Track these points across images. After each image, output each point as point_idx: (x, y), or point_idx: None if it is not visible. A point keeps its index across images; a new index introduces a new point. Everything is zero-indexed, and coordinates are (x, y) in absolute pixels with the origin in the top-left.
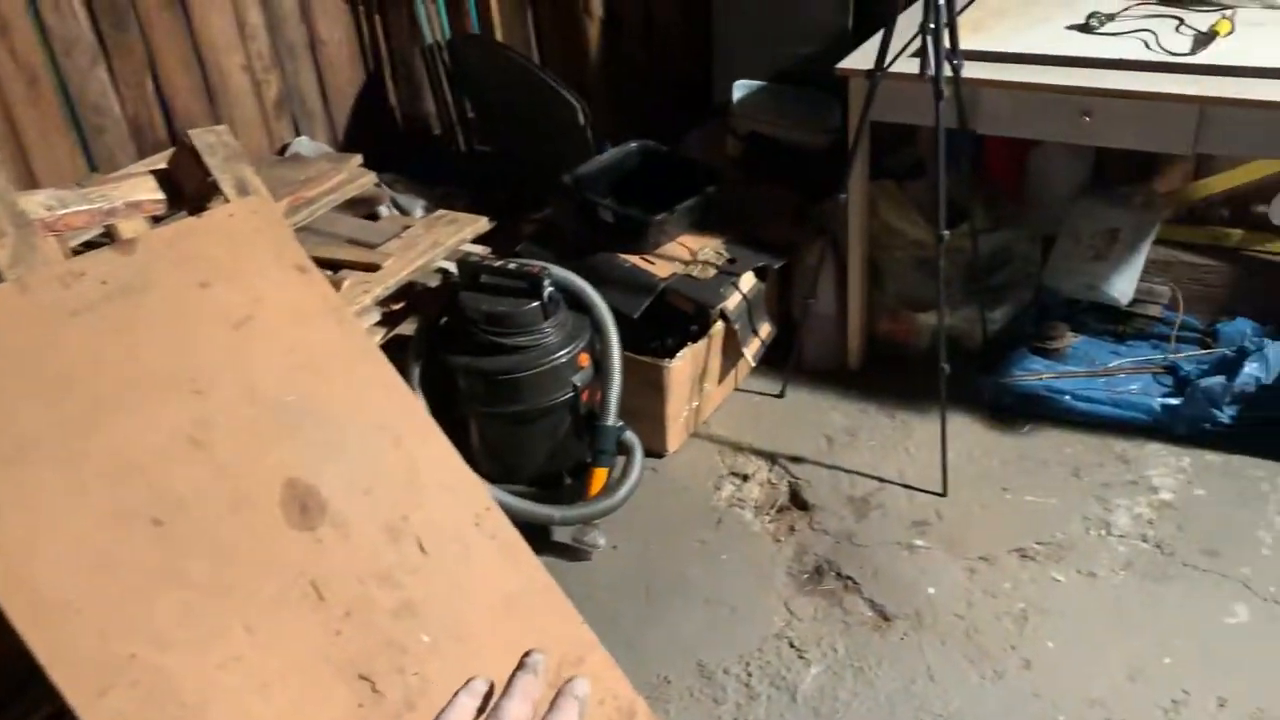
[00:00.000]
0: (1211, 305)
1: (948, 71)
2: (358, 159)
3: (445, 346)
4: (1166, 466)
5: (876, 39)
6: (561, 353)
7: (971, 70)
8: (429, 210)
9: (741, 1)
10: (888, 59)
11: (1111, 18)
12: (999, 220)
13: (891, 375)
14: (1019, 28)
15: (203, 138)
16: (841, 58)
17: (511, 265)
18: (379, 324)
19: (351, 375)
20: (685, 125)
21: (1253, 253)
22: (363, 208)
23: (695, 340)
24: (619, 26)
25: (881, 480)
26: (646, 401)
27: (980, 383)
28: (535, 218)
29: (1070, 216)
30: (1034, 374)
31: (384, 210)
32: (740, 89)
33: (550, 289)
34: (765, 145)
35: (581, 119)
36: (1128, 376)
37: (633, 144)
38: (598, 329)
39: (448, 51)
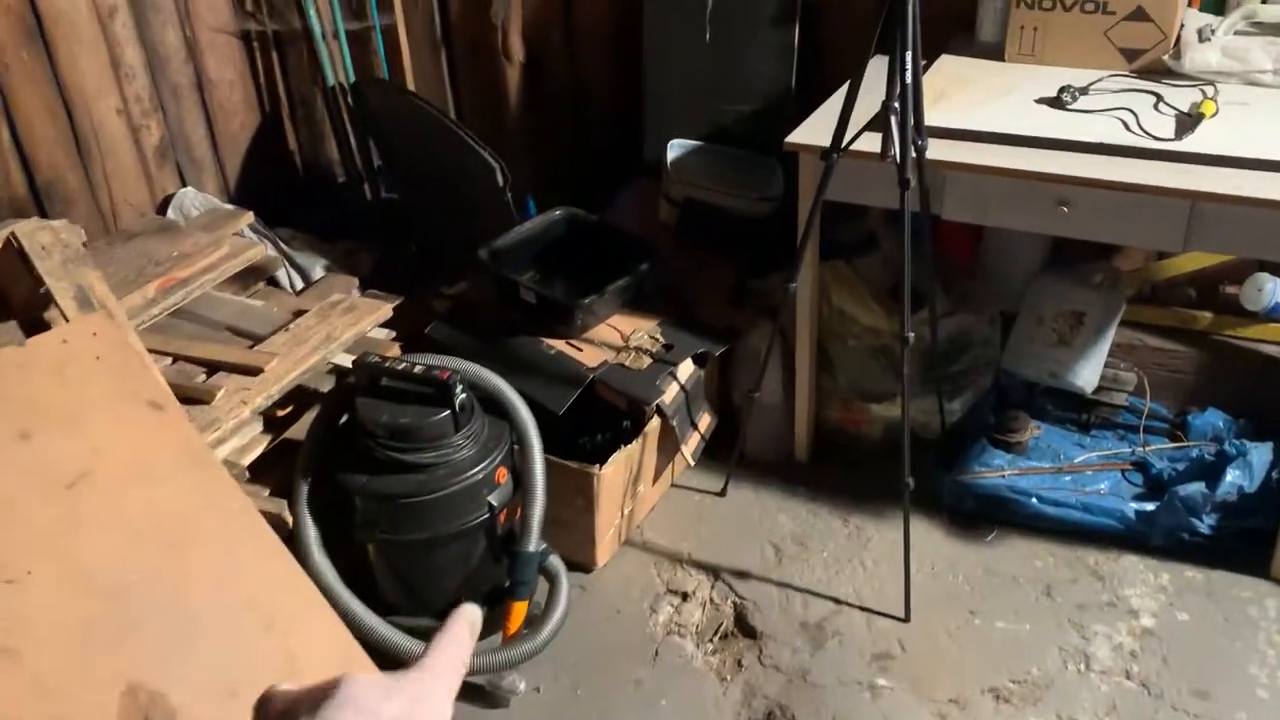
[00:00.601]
0: (1180, 393)
1: (912, 152)
2: (247, 217)
3: (339, 462)
4: (1145, 584)
5: (829, 110)
6: (476, 469)
7: (935, 149)
8: (330, 269)
9: (674, 51)
10: (846, 138)
11: (1084, 91)
12: (957, 303)
13: (843, 470)
14: (984, 99)
15: (35, 236)
16: (783, 117)
17: (417, 368)
18: (264, 432)
19: (213, 542)
20: (615, 184)
21: (1223, 338)
22: (254, 275)
23: (628, 440)
24: (541, 72)
25: (838, 601)
26: (574, 512)
27: (939, 481)
28: (448, 293)
29: (1030, 295)
30: (996, 470)
31: (281, 275)
32: (675, 149)
33: (463, 396)
34: (702, 212)
35: (500, 180)
36: (1095, 474)
37: (557, 212)
38: (518, 438)
39: (352, 95)
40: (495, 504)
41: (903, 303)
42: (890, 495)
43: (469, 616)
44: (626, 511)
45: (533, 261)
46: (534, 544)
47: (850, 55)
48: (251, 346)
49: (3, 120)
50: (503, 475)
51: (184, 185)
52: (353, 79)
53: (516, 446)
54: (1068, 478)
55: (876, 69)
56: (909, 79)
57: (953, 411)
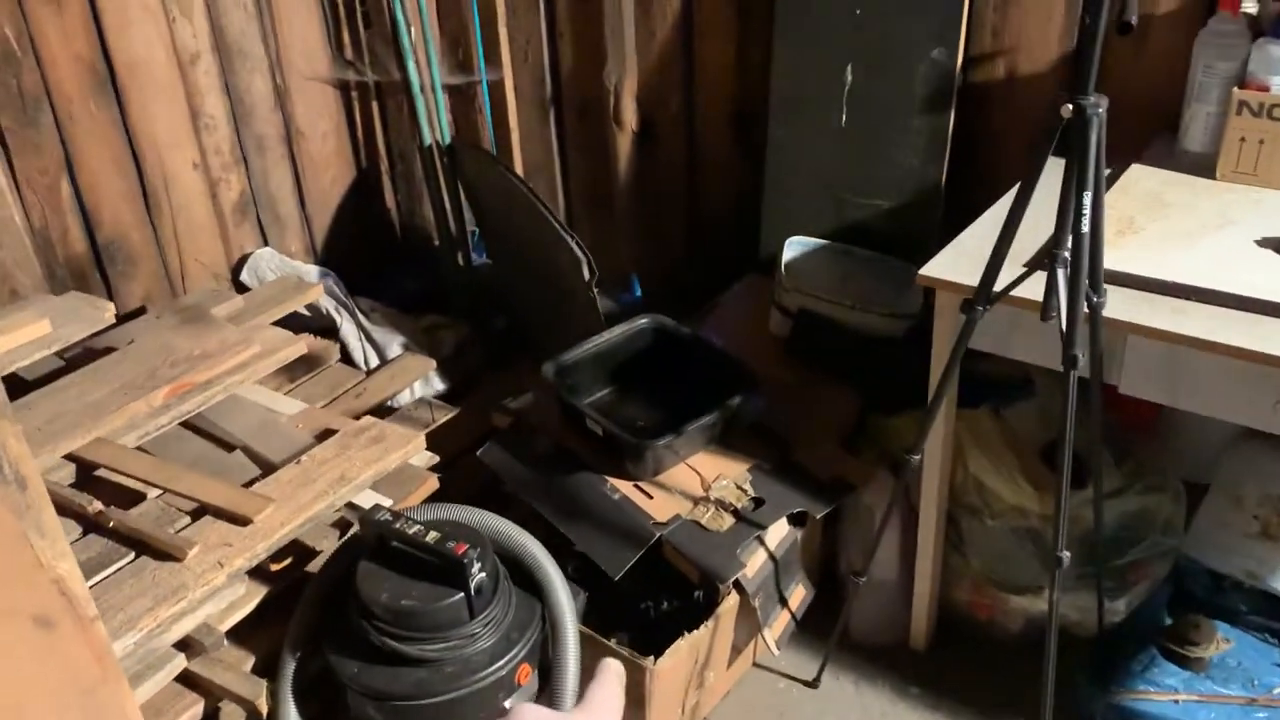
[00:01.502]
0: None
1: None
2: (315, 291)
3: (333, 635)
4: None
5: (980, 234)
6: (492, 668)
7: (1116, 301)
8: (408, 347)
9: (803, 134)
10: (996, 286)
11: None
12: (1132, 477)
13: (968, 666)
14: (1187, 235)
15: None
16: (928, 218)
17: (430, 535)
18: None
19: None
20: (725, 278)
21: None
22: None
23: (696, 620)
24: (654, 143)
25: None
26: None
27: (1090, 700)
28: (511, 406)
29: (1227, 466)
30: (1166, 693)
31: (356, 350)
32: (794, 248)
33: (480, 576)
34: (820, 328)
35: (586, 275)
36: None
37: (643, 320)
38: (551, 623)
39: (446, 156)
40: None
41: (1056, 505)
42: (1026, 715)
43: (614, 669)
44: (690, 705)
45: (610, 377)
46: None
47: (1014, 150)
48: (258, 478)
49: (64, 173)
50: (526, 674)
51: (265, 244)
52: (448, 138)
53: (548, 635)
54: (1263, 714)
55: (1045, 185)
56: (1086, 226)
57: (1115, 611)
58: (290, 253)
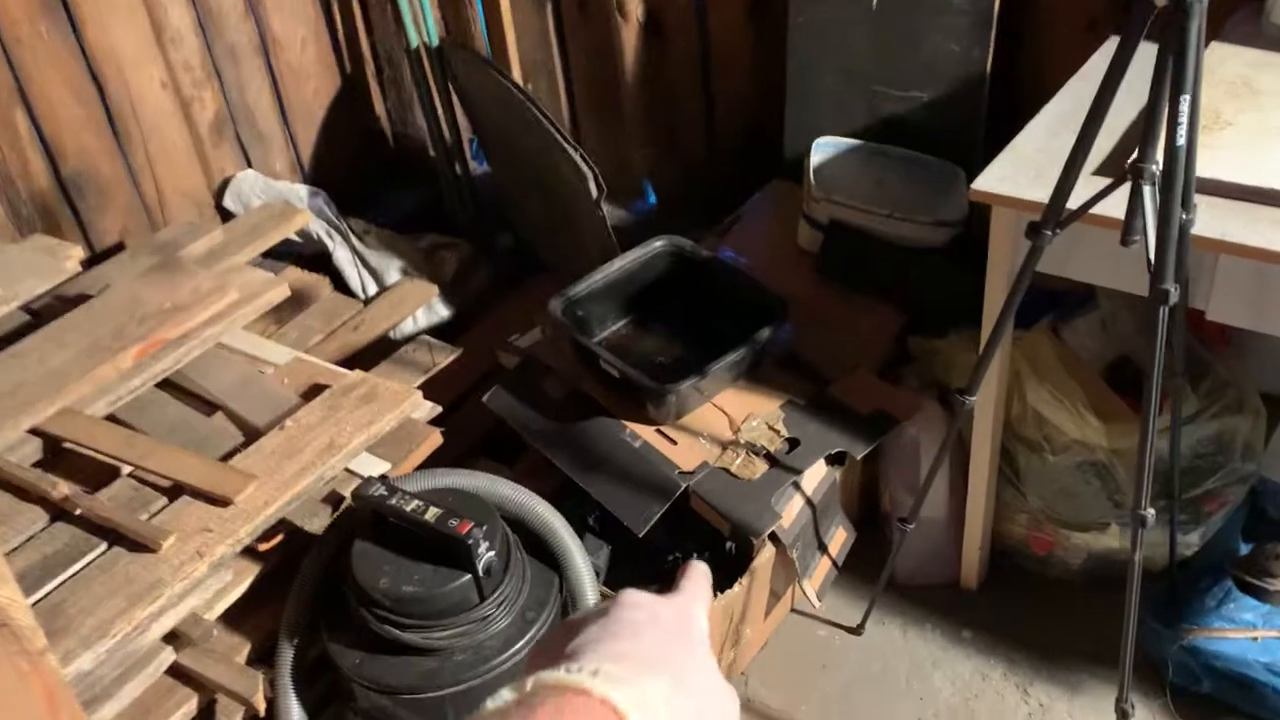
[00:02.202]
0: None
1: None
2: (302, 218)
3: (332, 627)
4: None
5: (1041, 135)
6: (508, 653)
7: (1206, 214)
8: (408, 272)
9: (829, 19)
10: (1067, 208)
11: None
12: (1211, 398)
13: (1025, 607)
14: (1278, 129)
15: None
16: (973, 112)
17: (430, 511)
18: (249, 559)
19: None
20: (747, 185)
21: None
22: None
23: (730, 578)
24: (663, 36)
25: None
26: None
27: (1160, 643)
28: (517, 344)
29: None
30: (1243, 629)
31: (352, 277)
32: (822, 150)
33: (488, 555)
34: (854, 241)
35: (594, 191)
36: None
37: (658, 243)
38: (571, 595)
39: (436, 61)
40: None
41: (1140, 462)
42: (1090, 657)
43: (701, 569)
44: (726, 663)
45: (624, 307)
46: None
47: (1068, 33)
48: (240, 446)
49: (17, 103)
50: None
51: (248, 165)
52: (434, 39)
53: (568, 604)
54: None
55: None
56: (1182, 138)
57: (1188, 545)
58: (275, 173)
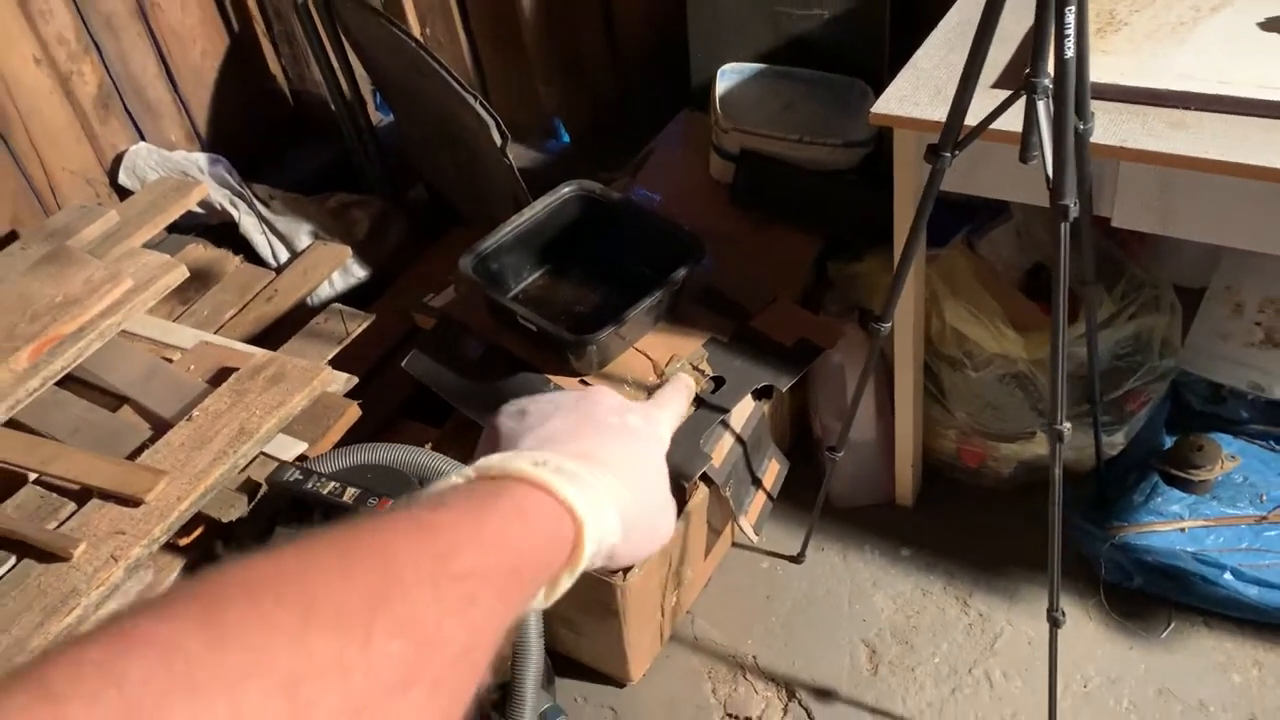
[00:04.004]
0: None
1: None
2: (199, 191)
3: None
4: None
5: (939, 49)
6: None
7: (1104, 120)
8: (318, 235)
9: None
10: (964, 128)
11: None
12: (1125, 300)
13: (960, 520)
14: (1178, 25)
15: None
16: (875, 24)
17: (348, 492)
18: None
19: None
20: (654, 116)
21: None
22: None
23: None
24: None
25: None
26: (596, 621)
27: (1091, 543)
28: (433, 304)
29: (1225, 270)
30: (1171, 522)
31: (261, 245)
32: (727, 78)
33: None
34: (766, 168)
35: (498, 139)
36: None
37: (567, 189)
38: None
39: (325, 13)
40: None
41: (1052, 377)
42: (1026, 563)
43: (685, 381)
44: (669, 607)
45: (539, 257)
46: (529, 711)
47: None
48: (149, 441)
49: None
50: None
51: (140, 138)
52: None
53: None
54: (1274, 531)
55: None
56: (1071, 50)
57: (1113, 445)
58: (170, 143)
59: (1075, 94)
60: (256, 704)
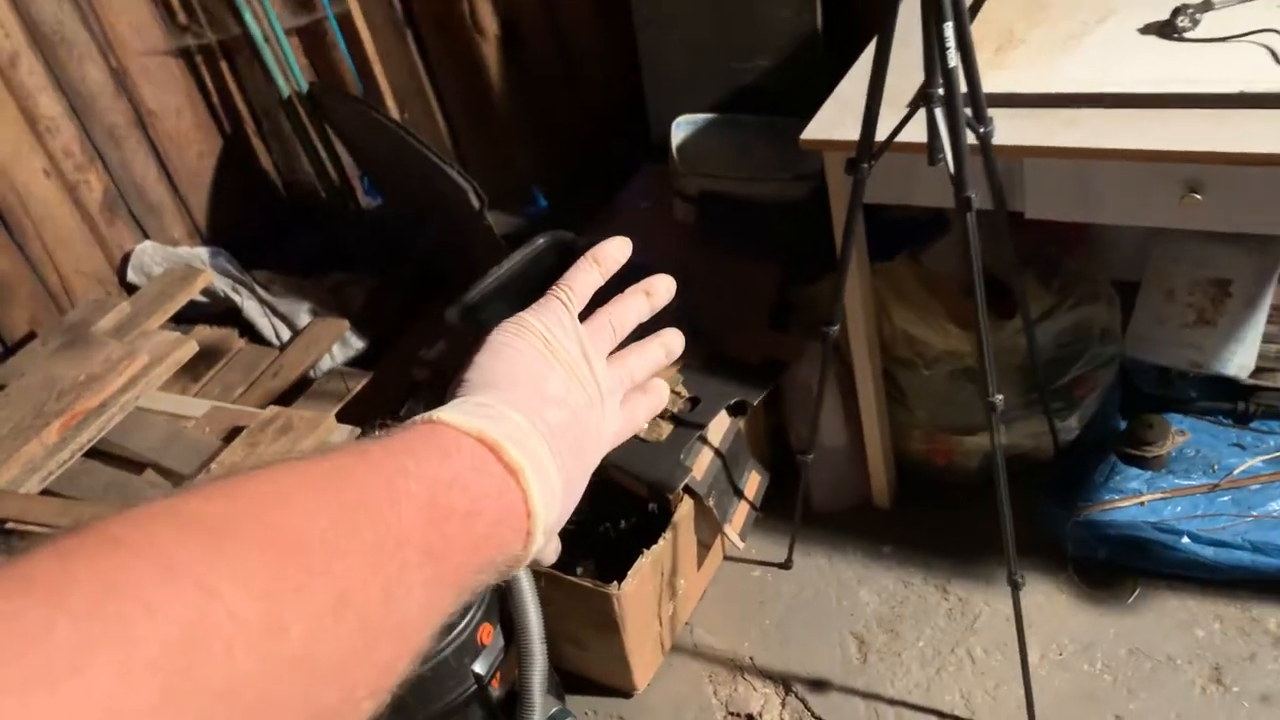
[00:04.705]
0: None
1: (970, 139)
2: (204, 278)
3: None
4: None
5: (858, 82)
6: (450, 635)
7: (1007, 125)
8: (316, 312)
9: (669, 3)
10: (877, 142)
11: (1208, 7)
12: (1064, 291)
13: (935, 515)
14: (1068, 37)
15: None
16: (813, 69)
17: None
18: None
19: None
20: (621, 173)
21: None
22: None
23: (655, 538)
24: (521, 45)
25: (941, 715)
26: (597, 633)
27: (1057, 523)
28: (426, 358)
29: (1156, 261)
30: (1131, 497)
31: (265, 326)
32: (682, 129)
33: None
34: (724, 207)
35: (475, 203)
36: (1265, 487)
37: (541, 240)
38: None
39: (308, 104)
40: (483, 671)
41: (979, 352)
42: (999, 549)
43: (661, 389)
44: (667, 616)
45: (522, 304)
46: (538, 714)
47: None
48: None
49: None
50: (489, 633)
51: (145, 237)
52: (303, 85)
53: (502, 585)
54: (1227, 496)
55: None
56: (953, 60)
57: (1069, 430)
58: (173, 240)
59: (972, 101)
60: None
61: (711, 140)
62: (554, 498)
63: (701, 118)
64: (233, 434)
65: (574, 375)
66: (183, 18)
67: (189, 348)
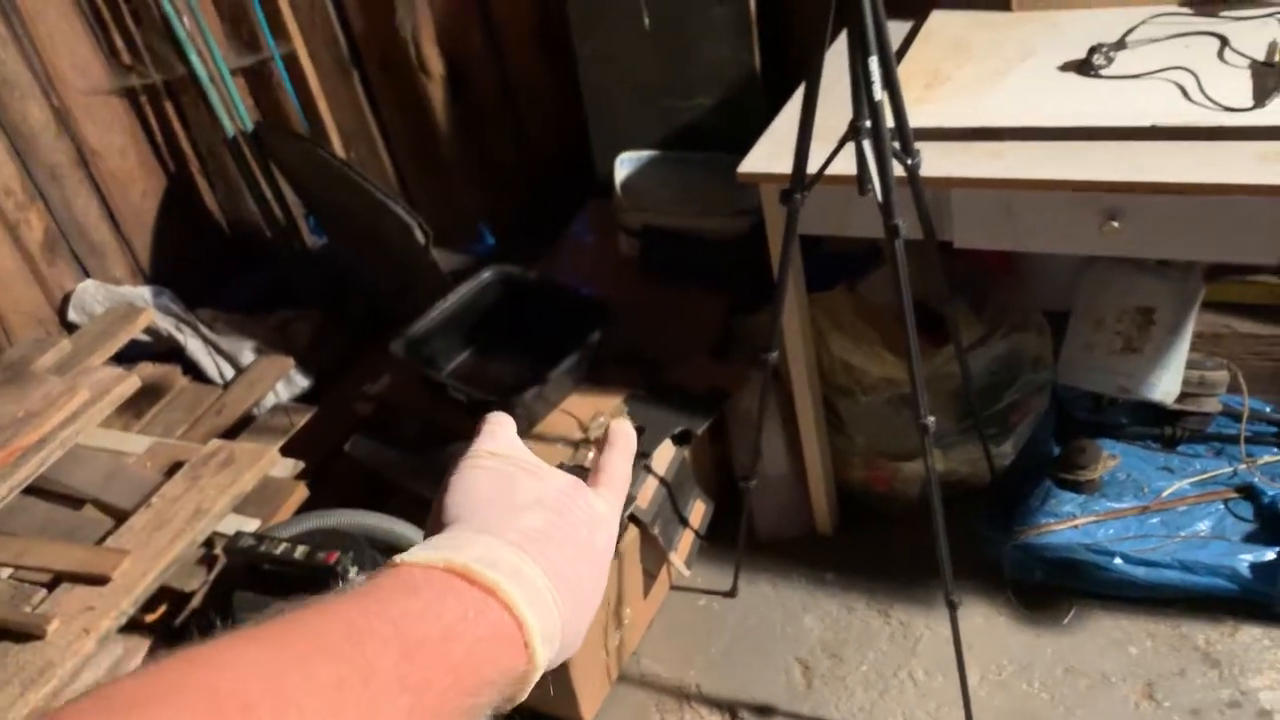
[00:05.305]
0: None
1: (898, 170)
2: (145, 317)
3: None
4: (1276, 670)
5: (791, 119)
6: None
7: (935, 158)
8: (261, 350)
9: (610, 45)
10: (809, 172)
11: (1121, 46)
12: (995, 322)
13: (877, 542)
14: (993, 75)
15: None
16: (751, 108)
17: (298, 550)
18: (140, 634)
19: None
20: (567, 210)
21: None
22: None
23: None
24: (466, 84)
25: None
26: None
27: (995, 546)
28: (370, 392)
29: (1084, 291)
30: (1066, 520)
31: (209, 365)
32: (625, 165)
33: (358, 580)
34: (667, 241)
35: (420, 238)
36: (1191, 508)
37: (486, 273)
38: None
39: (253, 143)
40: None
41: (911, 376)
42: (938, 573)
43: (623, 432)
44: (614, 646)
45: (466, 339)
46: None
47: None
48: (111, 531)
49: None
50: None
51: (86, 276)
52: (248, 125)
53: None
54: (1156, 518)
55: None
56: (878, 94)
57: (1003, 455)
58: (116, 279)
59: (899, 134)
60: None
61: (654, 176)
62: (547, 603)
63: (644, 154)
64: (174, 468)
65: (537, 473)
66: (127, 57)
67: (131, 383)
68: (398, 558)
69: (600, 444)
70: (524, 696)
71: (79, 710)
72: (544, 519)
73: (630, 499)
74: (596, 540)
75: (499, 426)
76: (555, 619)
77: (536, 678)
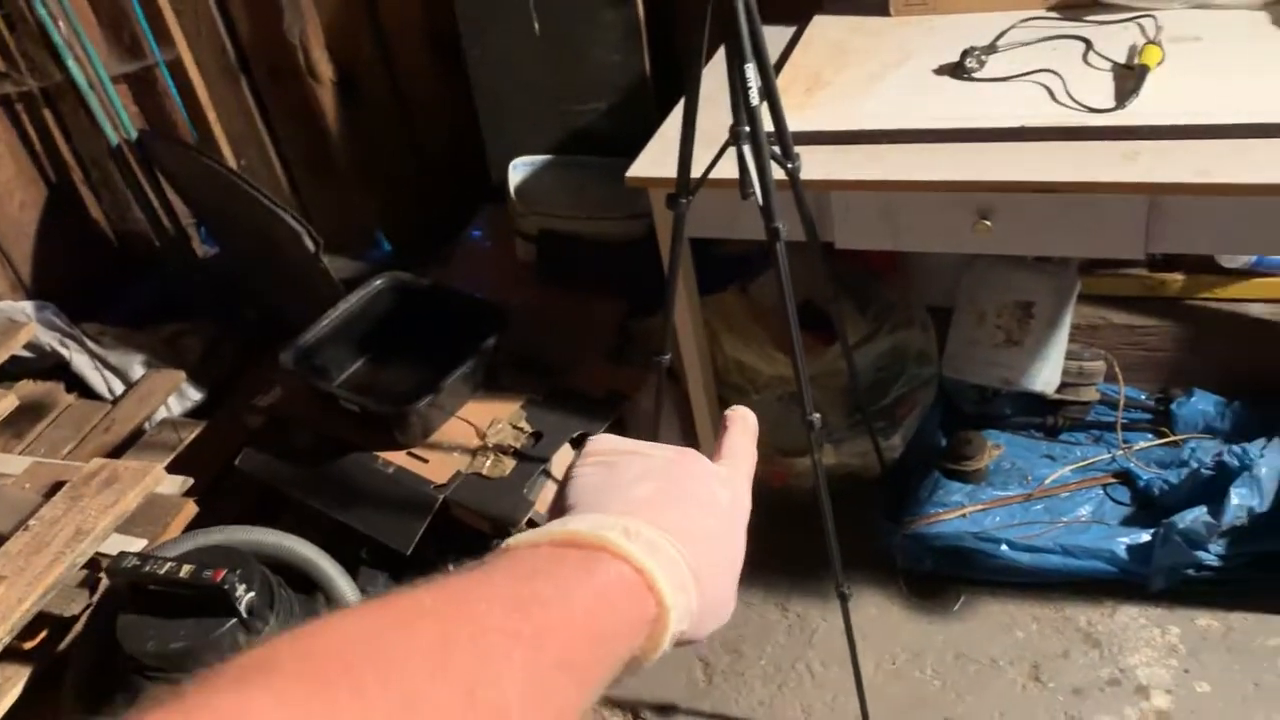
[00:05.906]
0: (1158, 372)
1: (779, 174)
2: (27, 331)
3: (115, 704)
4: (1152, 647)
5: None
6: None
7: (816, 161)
8: (151, 364)
9: (500, 49)
10: (694, 177)
11: (992, 50)
12: (880, 319)
13: (773, 537)
14: (870, 79)
15: None
16: (643, 111)
17: (184, 569)
18: (18, 662)
19: None
20: (463, 214)
21: (1200, 302)
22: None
23: None
24: (357, 89)
25: None
26: None
27: (887, 537)
28: (261, 404)
29: (965, 287)
30: (954, 510)
31: (96, 381)
32: (520, 170)
33: (249, 596)
34: (563, 246)
35: (310, 246)
36: (1073, 494)
37: (379, 280)
38: None
39: (138, 152)
40: None
41: (796, 373)
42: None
43: (742, 416)
44: None
45: (358, 348)
46: None
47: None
48: None
49: None
50: None
51: None
52: (132, 133)
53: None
54: (1040, 505)
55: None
56: (755, 99)
57: (892, 448)
58: None
59: (779, 138)
60: None
61: (549, 181)
62: (667, 552)
63: (539, 159)
64: (55, 489)
65: (642, 451)
66: (1, 64)
67: (8, 402)
68: (506, 542)
69: (719, 431)
70: (665, 645)
71: (178, 694)
72: (653, 487)
73: (528, 503)
74: (718, 496)
75: (599, 438)
76: (682, 568)
77: (675, 626)
